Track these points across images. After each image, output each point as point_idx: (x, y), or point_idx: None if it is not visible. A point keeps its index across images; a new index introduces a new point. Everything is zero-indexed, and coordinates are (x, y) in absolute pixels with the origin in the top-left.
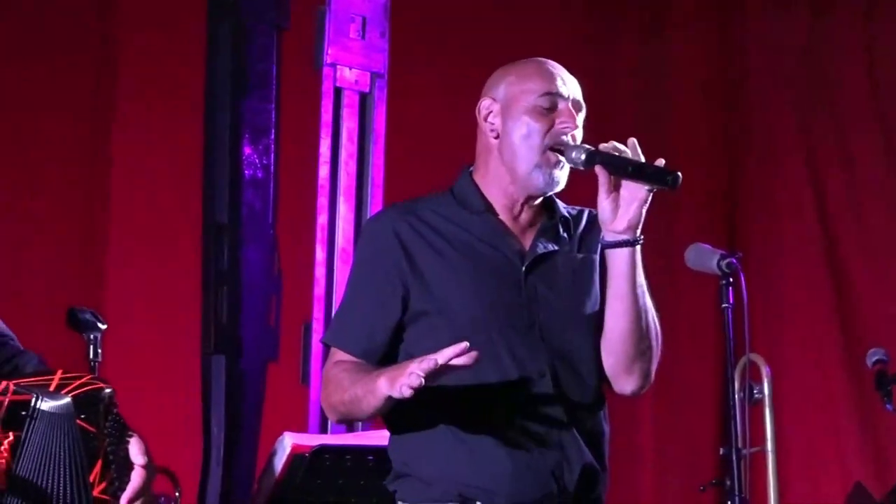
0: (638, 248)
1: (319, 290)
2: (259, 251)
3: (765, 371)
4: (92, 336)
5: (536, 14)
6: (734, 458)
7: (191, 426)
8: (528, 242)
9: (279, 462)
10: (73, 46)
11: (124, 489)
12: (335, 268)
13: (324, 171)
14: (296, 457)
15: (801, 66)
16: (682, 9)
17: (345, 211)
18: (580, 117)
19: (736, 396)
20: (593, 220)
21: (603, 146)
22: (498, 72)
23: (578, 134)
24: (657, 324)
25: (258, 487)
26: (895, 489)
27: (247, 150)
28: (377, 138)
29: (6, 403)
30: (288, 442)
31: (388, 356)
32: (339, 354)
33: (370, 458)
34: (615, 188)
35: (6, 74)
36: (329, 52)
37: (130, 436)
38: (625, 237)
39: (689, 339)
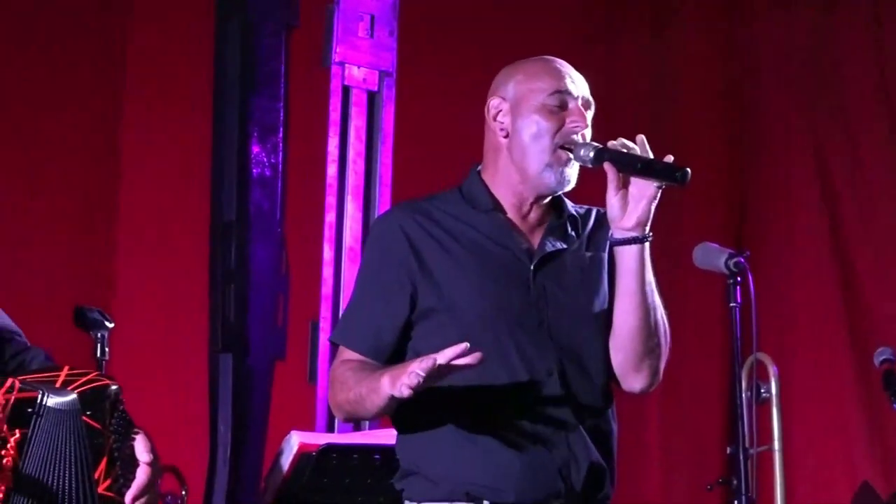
0: (647, 245)
1: (327, 288)
2: (267, 249)
3: (772, 370)
4: (99, 334)
5: (544, 12)
6: (741, 457)
7: (198, 424)
8: (536, 241)
9: (286, 460)
10: (81, 45)
11: (129, 486)
12: (343, 266)
13: (332, 169)
14: (303, 455)
15: (808, 64)
16: (689, 7)
17: (353, 209)
18: (589, 115)
19: (743, 395)
20: (601, 219)
21: (611, 143)
22: (505, 70)
23: (587, 132)
24: (666, 321)
25: (265, 486)
26: None
27: (255, 149)
28: (385, 137)
29: (12, 401)
30: (295, 440)
31: (396, 354)
32: (346, 353)
33: (377, 456)
34: (624, 185)
35: (16, 73)
36: (337, 50)
37: (136, 433)
38: (634, 234)
39: (696, 338)
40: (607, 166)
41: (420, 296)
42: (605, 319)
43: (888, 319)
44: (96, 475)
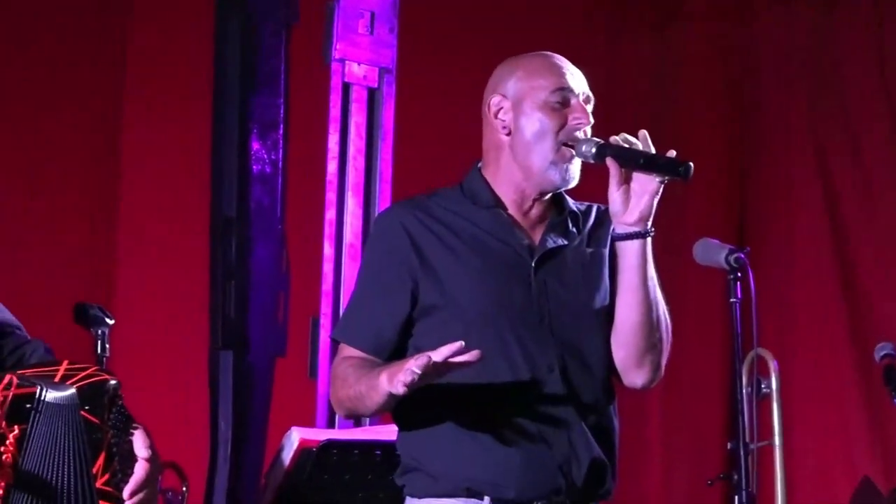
0: (649, 240)
1: (327, 285)
2: (267, 246)
3: (772, 365)
4: (99, 331)
5: (545, 9)
6: (742, 452)
7: (198, 421)
8: (537, 237)
9: (287, 457)
10: (81, 45)
11: (127, 481)
12: (343, 263)
13: (332, 166)
14: (303, 451)
15: (810, 62)
16: (690, 6)
17: (353, 206)
18: (589, 108)
19: (743, 391)
20: (601, 216)
21: (613, 139)
22: (504, 67)
23: (589, 127)
24: (667, 316)
25: (266, 482)
26: None
27: (255, 146)
28: (385, 134)
29: (10, 397)
30: (295, 437)
31: (397, 351)
32: (347, 350)
33: (378, 452)
34: (626, 180)
35: (16, 73)
36: (337, 47)
37: (135, 428)
38: (636, 229)
39: (697, 333)
40: (609, 162)
41: (421, 292)
42: (607, 316)
43: (889, 318)
44: (94, 470)
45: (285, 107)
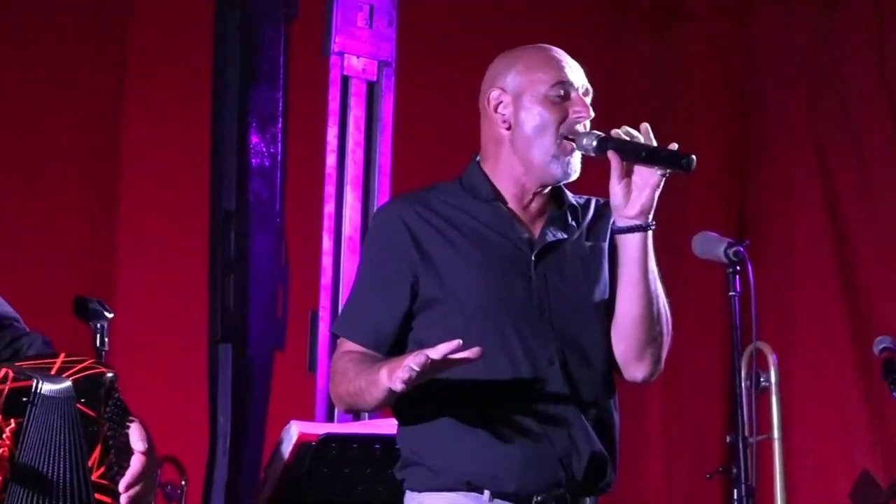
0: (650, 233)
1: (326, 279)
2: (266, 240)
3: (771, 359)
4: (99, 325)
5: (545, 6)
6: (741, 445)
7: (197, 415)
8: (537, 231)
9: (286, 450)
10: (81, 44)
11: (123, 474)
12: (342, 257)
13: (331, 159)
14: (302, 445)
15: (810, 60)
16: (690, 6)
17: (352, 200)
18: (588, 101)
19: (742, 384)
20: (600, 209)
21: (615, 132)
22: (502, 60)
23: (588, 120)
24: (668, 310)
25: (265, 476)
26: None
27: (254, 139)
28: (384, 127)
29: (6, 391)
30: (294, 430)
31: (397, 345)
32: (347, 345)
33: (377, 446)
34: (627, 174)
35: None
36: (336, 40)
37: (131, 421)
38: (637, 222)
39: (696, 327)
40: (611, 155)
41: (421, 286)
42: (607, 309)
43: (889, 316)
44: (90, 463)
45: (284, 100)
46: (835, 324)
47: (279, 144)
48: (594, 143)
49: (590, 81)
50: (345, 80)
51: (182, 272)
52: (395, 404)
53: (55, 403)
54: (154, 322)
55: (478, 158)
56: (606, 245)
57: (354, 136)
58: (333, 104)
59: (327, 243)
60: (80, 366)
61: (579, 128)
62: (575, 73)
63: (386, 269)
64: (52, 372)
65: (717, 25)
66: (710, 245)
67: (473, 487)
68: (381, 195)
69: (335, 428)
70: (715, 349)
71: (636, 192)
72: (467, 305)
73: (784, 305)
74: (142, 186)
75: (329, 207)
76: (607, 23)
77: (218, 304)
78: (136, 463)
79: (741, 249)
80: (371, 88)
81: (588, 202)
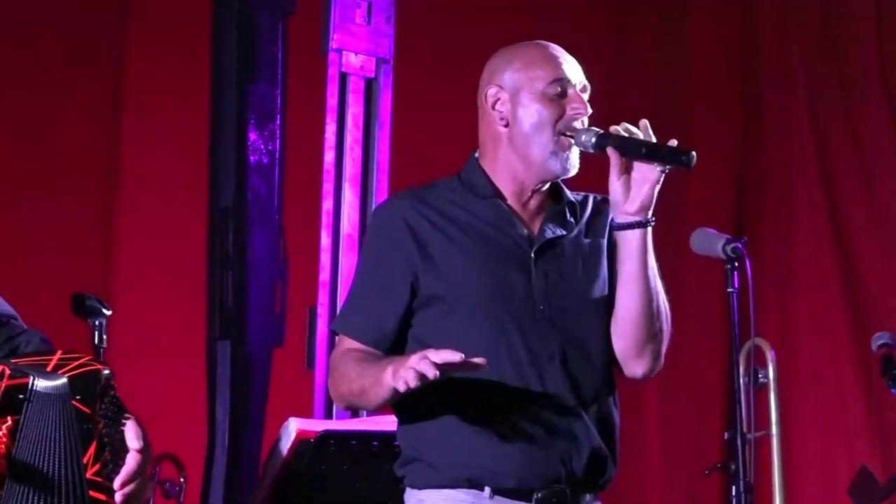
0: (649, 229)
1: (325, 275)
2: (265, 236)
3: (770, 355)
4: (97, 322)
5: (546, 2)
6: (739, 441)
7: (196, 412)
8: (536, 228)
9: (284, 447)
10: (81, 42)
11: (118, 472)
12: (340, 254)
13: (329, 156)
14: (301, 442)
15: (812, 54)
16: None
17: (350, 197)
18: (585, 97)
19: (741, 381)
20: (599, 206)
21: (613, 128)
22: (500, 57)
23: (586, 117)
24: (667, 306)
25: (263, 473)
26: None
27: (252, 136)
28: (382, 124)
29: (2, 389)
30: (293, 427)
31: (397, 343)
32: (346, 342)
33: (375, 443)
34: (626, 170)
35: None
36: (334, 37)
37: (127, 419)
38: (636, 219)
39: (695, 324)
40: (610, 151)
41: (422, 284)
42: (606, 306)
43: (889, 315)
44: (85, 460)
45: (283, 97)
46: (834, 321)
47: (277, 141)
48: (593, 140)
49: (590, 78)
50: (343, 77)
51: (180, 269)
52: (396, 401)
53: (51, 400)
54: (152, 319)
55: (476, 155)
56: (605, 241)
57: (353, 133)
58: (332, 101)
59: (326, 240)
60: (76, 363)
61: (577, 124)
62: (572, 69)
63: (386, 267)
64: (49, 369)
65: (718, 24)
66: (709, 241)
67: (474, 484)
68: (380, 192)
69: (334, 425)
70: (714, 346)
71: (636, 189)
72: (467, 302)
73: (783, 302)
74: (140, 183)
75: (327, 204)
76: (608, 20)
77: (216, 300)
78: (131, 461)
79: (739, 246)
80: (369, 85)
81: (586, 199)
